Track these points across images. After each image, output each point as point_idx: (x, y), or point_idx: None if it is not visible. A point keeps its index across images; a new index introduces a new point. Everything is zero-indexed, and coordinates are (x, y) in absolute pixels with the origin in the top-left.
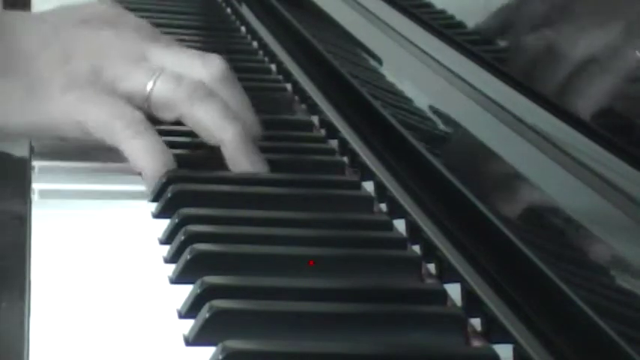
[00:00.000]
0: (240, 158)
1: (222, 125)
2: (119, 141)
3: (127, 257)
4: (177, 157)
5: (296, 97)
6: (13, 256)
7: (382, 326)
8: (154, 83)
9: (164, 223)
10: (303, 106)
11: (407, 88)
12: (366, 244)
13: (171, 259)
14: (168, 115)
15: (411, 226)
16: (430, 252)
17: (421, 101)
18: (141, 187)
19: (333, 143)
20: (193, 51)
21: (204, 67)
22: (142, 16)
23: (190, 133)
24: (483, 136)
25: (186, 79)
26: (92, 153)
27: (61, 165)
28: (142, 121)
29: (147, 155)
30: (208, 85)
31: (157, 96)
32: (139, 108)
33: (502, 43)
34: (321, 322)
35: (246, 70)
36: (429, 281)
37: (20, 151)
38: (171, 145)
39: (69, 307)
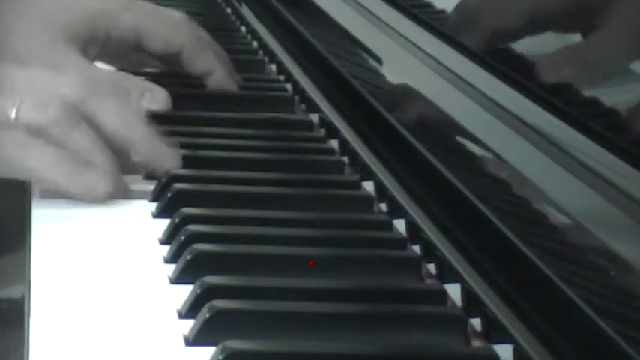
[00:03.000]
0: (115, 180)
1: (93, 153)
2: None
3: (127, 257)
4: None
5: (296, 97)
6: (13, 254)
7: (382, 326)
8: (19, 108)
9: (164, 223)
10: (303, 106)
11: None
12: (366, 244)
13: (171, 259)
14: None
15: (411, 226)
16: (430, 252)
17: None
18: (141, 187)
19: (333, 143)
20: (52, 74)
21: (70, 90)
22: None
23: (191, 133)
24: (483, 136)
25: (52, 100)
26: None
27: None
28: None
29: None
30: (75, 103)
31: (24, 120)
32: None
33: (502, 43)
34: (321, 322)
35: (246, 70)
36: (429, 281)
37: None
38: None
39: (69, 307)
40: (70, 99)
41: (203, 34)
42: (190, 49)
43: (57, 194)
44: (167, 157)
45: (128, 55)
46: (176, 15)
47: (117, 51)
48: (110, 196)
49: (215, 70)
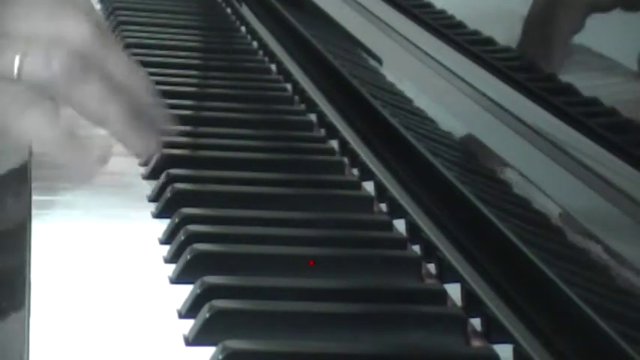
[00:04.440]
0: (127, 136)
1: (104, 104)
2: (9, 117)
3: (127, 257)
4: (177, 157)
5: (296, 97)
6: (13, 254)
7: (382, 326)
8: (21, 62)
9: (164, 223)
10: (303, 106)
11: (407, 88)
12: (366, 244)
13: (171, 259)
14: (43, 95)
15: (411, 226)
16: (430, 252)
17: (421, 101)
18: (141, 188)
19: (333, 143)
20: (56, 9)
21: (75, 32)
22: (143, 16)
23: (190, 133)
24: (483, 136)
25: (57, 52)
26: None
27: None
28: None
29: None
30: (83, 53)
31: (27, 76)
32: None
33: (502, 43)
34: (321, 322)
35: (246, 70)
36: (429, 281)
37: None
38: (171, 145)
39: (69, 306)
40: (76, 47)
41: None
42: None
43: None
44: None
45: None
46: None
47: None
48: (101, 167)
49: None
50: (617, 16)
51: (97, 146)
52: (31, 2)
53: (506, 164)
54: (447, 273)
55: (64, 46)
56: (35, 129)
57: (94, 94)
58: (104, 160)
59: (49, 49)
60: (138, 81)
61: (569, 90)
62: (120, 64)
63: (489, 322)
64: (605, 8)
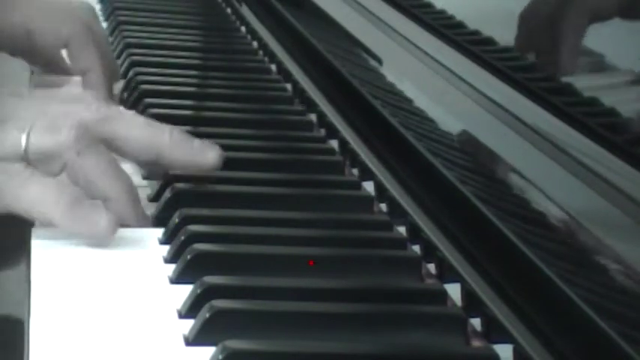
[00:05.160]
0: (127, 214)
1: (110, 179)
2: (9, 195)
3: (126, 257)
4: None
5: (296, 97)
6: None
7: (382, 326)
8: (27, 139)
9: (164, 223)
10: (303, 106)
11: (407, 88)
12: (366, 244)
13: (171, 259)
14: (49, 171)
15: (411, 226)
16: (430, 252)
17: (421, 101)
18: (141, 188)
19: (333, 143)
20: (66, 95)
21: (86, 111)
22: (143, 16)
23: (191, 133)
24: (483, 136)
25: (63, 123)
26: None
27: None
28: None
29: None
30: (90, 124)
31: (35, 149)
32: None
33: (502, 43)
34: (321, 322)
35: (246, 70)
36: (429, 281)
37: None
38: None
39: (69, 306)
40: (85, 119)
41: (98, 27)
42: (76, 40)
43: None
44: (207, 151)
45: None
46: (69, 4)
47: (9, 50)
48: (113, 234)
49: (91, 71)
50: (617, 16)
51: (105, 215)
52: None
53: (506, 164)
54: (447, 273)
55: (70, 117)
56: (37, 206)
57: (101, 166)
58: (113, 230)
59: (55, 121)
60: (156, 139)
61: (569, 90)
62: (135, 128)
63: (489, 322)
64: (605, 8)
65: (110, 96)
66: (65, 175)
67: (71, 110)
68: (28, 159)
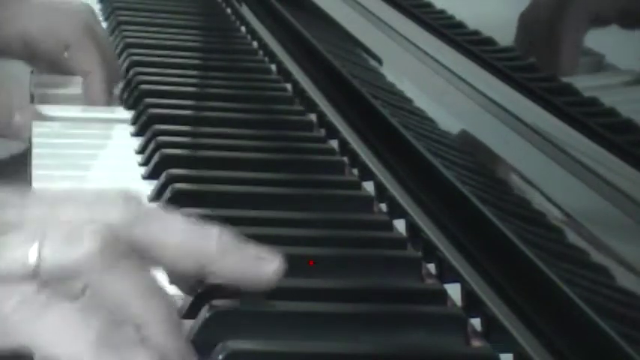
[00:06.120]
0: (167, 348)
1: (144, 307)
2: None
3: None
4: (177, 157)
5: (296, 97)
6: None
7: (382, 326)
8: (39, 254)
9: None
10: (303, 106)
11: (407, 88)
12: (366, 244)
13: None
14: (69, 292)
15: (411, 226)
16: (430, 252)
17: (421, 101)
18: (141, 188)
19: (333, 143)
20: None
21: (114, 210)
22: (143, 16)
23: (191, 133)
24: (483, 136)
25: (84, 230)
26: None
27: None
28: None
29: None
30: (114, 234)
31: (49, 267)
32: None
33: (502, 43)
34: (321, 322)
35: (246, 70)
36: (429, 281)
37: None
38: (171, 145)
39: None
40: (112, 224)
41: (99, 28)
42: (77, 42)
43: None
44: (265, 262)
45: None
46: (68, 8)
47: (10, 56)
48: None
49: (92, 73)
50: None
51: (141, 355)
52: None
53: (506, 164)
54: (447, 273)
55: (90, 225)
56: (56, 342)
57: (134, 289)
58: None
59: (74, 228)
60: (201, 245)
61: (569, 90)
62: (169, 245)
63: (489, 322)
64: (605, 8)
65: (110, 97)
66: (88, 298)
67: (93, 211)
68: (40, 278)
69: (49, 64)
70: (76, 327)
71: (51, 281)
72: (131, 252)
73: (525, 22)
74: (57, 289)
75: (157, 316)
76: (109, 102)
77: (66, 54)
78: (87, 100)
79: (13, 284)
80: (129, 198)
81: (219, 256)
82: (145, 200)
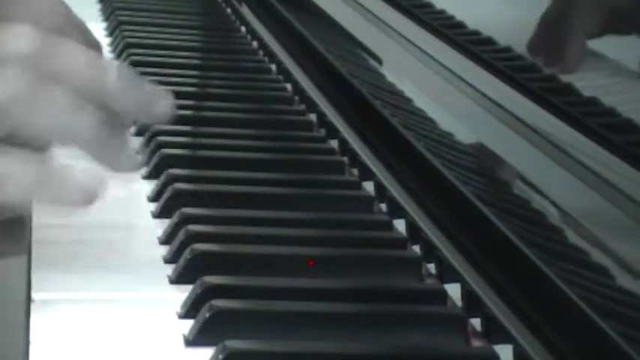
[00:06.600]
0: (106, 155)
1: (73, 118)
2: None
3: (126, 256)
4: (177, 157)
5: (296, 97)
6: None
7: (382, 326)
8: None
9: (164, 223)
10: (303, 105)
11: (407, 88)
12: (366, 244)
13: (171, 259)
14: None
15: (411, 226)
16: (430, 252)
17: (421, 101)
18: (141, 188)
19: (333, 143)
20: None
21: (17, 42)
22: (143, 16)
23: (191, 133)
24: (483, 136)
25: (3, 67)
26: None
27: None
28: None
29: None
30: (33, 60)
31: None
32: None
33: (502, 43)
34: (321, 322)
35: (246, 70)
36: (429, 281)
37: None
38: (171, 145)
39: (69, 305)
40: (24, 54)
41: (74, 16)
42: (57, 27)
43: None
44: (158, 96)
45: None
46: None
47: None
48: (97, 196)
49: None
50: (617, 16)
51: (86, 178)
52: None
53: (506, 164)
54: (447, 273)
55: (8, 56)
56: (5, 185)
57: (60, 109)
58: (96, 194)
59: None
60: (110, 73)
61: (569, 90)
62: (81, 61)
63: (489, 322)
64: (605, 8)
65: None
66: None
67: (6, 43)
68: None
69: None
70: (20, 167)
71: None
72: (48, 80)
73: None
74: None
75: (89, 126)
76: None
77: None
78: None
79: None
80: (32, 30)
81: (119, 86)
82: None
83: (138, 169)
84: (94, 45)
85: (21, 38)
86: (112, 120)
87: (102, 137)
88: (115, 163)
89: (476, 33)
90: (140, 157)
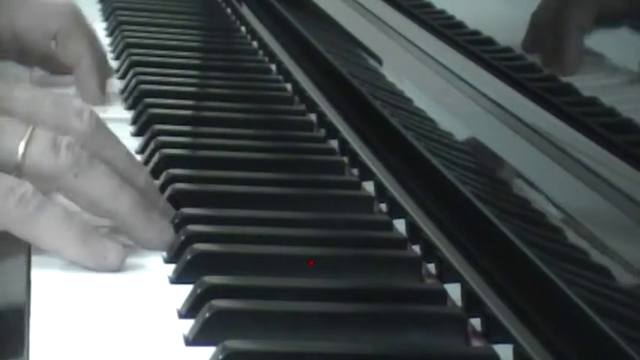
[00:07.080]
0: (144, 228)
1: (115, 195)
2: (17, 222)
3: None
4: (177, 157)
5: (296, 97)
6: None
7: (382, 326)
8: (26, 147)
9: None
10: (303, 106)
11: (407, 88)
12: (366, 244)
13: (171, 259)
14: (41, 187)
15: (411, 226)
16: (430, 252)
17: (421, 101)
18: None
19: (333, 143)
20: (56, 97)
21: (79, 120)
22: (143, 16)
23: (191, 133)
24: (483, 136)
25: (62, 142)
26: None
27: None
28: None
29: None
30: (87, 141)
31: (32, 165)
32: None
33: (502, 43)
34: (321, 322)
35: (246, 70)
36: (429, 281)
37: None
38: (171, 145)
39: (69, 307)
40: (81, 135)
41: (84, 20)
42: (65, 31)
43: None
44: (162, 227)
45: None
46: (53, 2)
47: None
48: (120, 265)
49: (82, 58)
50: (617, 16)
51: (114, 248)
52: (34, 86)
53: (506, 164)
54: (447, 273)
55: (69, 133)
56: (45, 237)
57: (103, 185)
58: (121, 261)
59: (55, 135)
60: (137, 167)
61: (569, 90)
62: (120, 152)
63: (489, 322)
64: (607, 9)
65: (103, 88)
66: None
67: (70, 121)
68: (21, 172)
69: (39, 58)
70: (62, 228)
71: (29, 177)
72: (95, 158)
73: (534, 21)
74: (33, 182)
75: (125, 206)
76: (103, 98)
77: (53, 44)
78: (80, 94)
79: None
80: (86, 110)
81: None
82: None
83: (165, 248)
84: (100, 53)
85: (82, 117)
86: (144, 202)
87: (137, 214)
88: (143, 239)
89: (476, 33)
90: (167, 236)
